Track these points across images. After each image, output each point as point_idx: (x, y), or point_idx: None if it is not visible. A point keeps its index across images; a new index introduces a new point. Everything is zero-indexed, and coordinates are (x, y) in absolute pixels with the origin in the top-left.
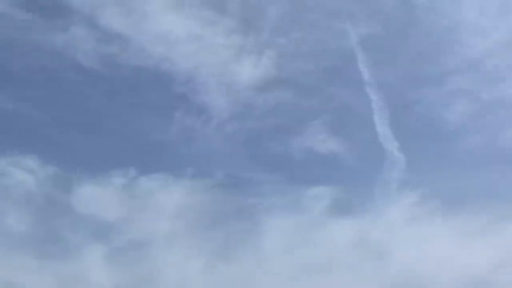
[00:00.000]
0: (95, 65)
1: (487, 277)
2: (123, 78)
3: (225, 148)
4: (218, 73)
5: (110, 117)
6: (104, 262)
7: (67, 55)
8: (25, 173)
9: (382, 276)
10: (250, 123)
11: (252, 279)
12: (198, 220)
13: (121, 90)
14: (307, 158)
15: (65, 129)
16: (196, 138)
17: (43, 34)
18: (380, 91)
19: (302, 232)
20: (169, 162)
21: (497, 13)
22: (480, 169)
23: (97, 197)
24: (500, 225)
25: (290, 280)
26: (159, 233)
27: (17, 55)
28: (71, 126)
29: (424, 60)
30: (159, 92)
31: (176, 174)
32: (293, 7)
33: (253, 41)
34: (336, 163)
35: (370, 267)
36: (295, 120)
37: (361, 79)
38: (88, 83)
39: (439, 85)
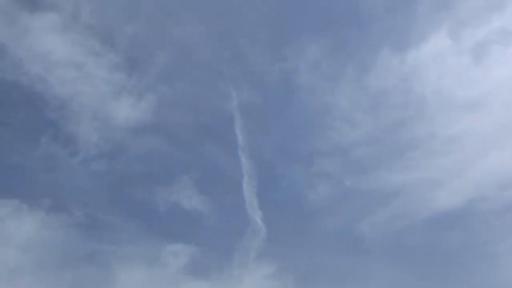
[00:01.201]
0: None
1: None
2: None
3: (88, 186)
4: (94, 106)
5: None
6: None
7: None
8: None
9: None
10: (118, 165)
11: None
12: (48, 258)
13: None
14: (171, 212)
15: None
16: (59, 169)
17: None
18: (252, 158)
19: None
20: (25, 190)
21: (368, 108)
22: (334, 251)
23: None
24: None
25: None
26: (3, 264)
27: None
28: None
29: (297, 138)
30: (28, 113)
31: (31, 203)
32: (181, 58)
33: (136, 82)
34: (200, 222)
35: None
36: (164, 171)
37: (235, 143)
38: None
39: (307, 165)
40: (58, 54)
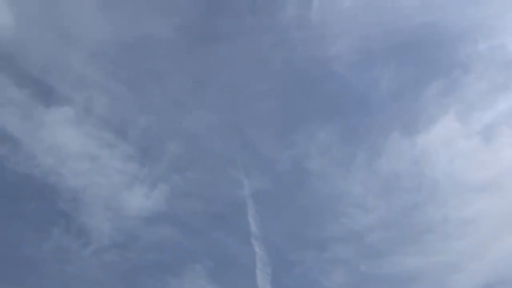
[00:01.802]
0: None
1: None
2: (6, 183)
3: (100, 276)
4: (107, 197)
5: None
6: None
7: None
8: None
9: None
10: (130, 254)
11: None
12: None
13: (1, 195)
14: None
15: None
16: (71, 260)
17: None
18: (265, 246)
19: None
20: (37, 281)
21: (380, 193)
22: None
23: None
24: None
25: None
26: None
27: None
28: None
29: (309, 224)
30: (40, 205)
31: None
32: (193, 148)
33: (148, 172)
34: None
35: None
36: (176, 260)
37: (248, 231)
38: None
39: (320, 251)
40: (71, 146)
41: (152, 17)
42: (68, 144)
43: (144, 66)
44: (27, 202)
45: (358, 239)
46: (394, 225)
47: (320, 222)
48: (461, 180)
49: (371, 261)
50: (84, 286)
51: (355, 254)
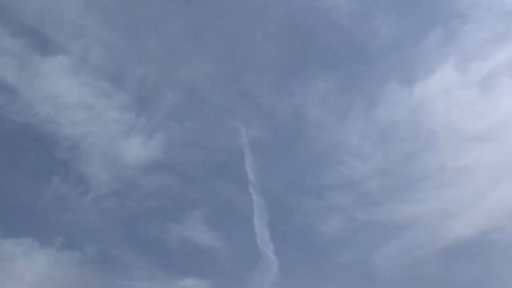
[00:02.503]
0: None
1: None
2: (4, 132)
3: (99, 224)
4: (104, 146)
5: None
6: None
7: None
8: None
9: None
10: (129, 202)
11: None
12: None
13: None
14: (183, 248)
15: None
16: (70, 208)
17: None
18: (262, 193)
19: None
20: (37, 228)
21: (377, 141)
22: (348, 284)
23: None
24: None
25: None
26: None
27: None
28: None
29: (307, 172)
30: (39, 154)
31: (43, 242)
32: (190, 97)
33: (145, 121)
34: (211, 257)
35: None
36: (175, 207)
37: (245, 179)
38: None
39: (318, 198)
40: (68, 95)
41: None
42: (65, 94)
43: (141, 15)
44: (25, 151)
45: (355, 186)
46: (391, 173)
47: (318, 170)
48: (458, 130)
49: (368, 208)
50: (84, 232)
51: (352, 201)
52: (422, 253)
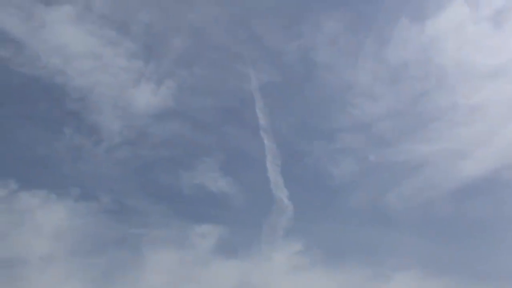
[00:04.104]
0: None
1: None
2: (14, 85)
3: (113, 173)
4: (114, 95)
5: None
6: None
7: None
8: None
9: None
10: (142, 151)
11: None
12: (79, 244)
13: (10, 97)
14: (197, 195)
15: None
16: (84, 159)
17: None
18: (274, 138)
19: (186, 269)
20: (53, 180)
21: (388, 81)
22: (362, 225)
23: None
24: (378, 281)
25: None
26: (35, 253)
27: None
28: None
29: (318, 115)
30: (50, 106)
31: (59, 193)
32: (198, 42)
33: (154, 68)
34: (226, 203)
35: None
36: (188, 155)
37: (256, 124)
38: None
39: (329, 141)
40: (74, 46)
41: None
42: (72, 44)
43: None
44: (36, 104)
45: (366, 128)
46: (402, 114)
47: (328, 112)
48: (470, 67)
49: (380, 150)
50: (99, 182)
51: (364, 143)
52: (435, 193)
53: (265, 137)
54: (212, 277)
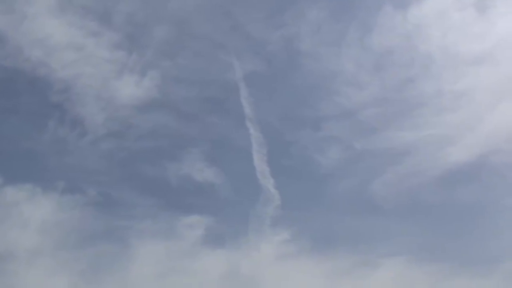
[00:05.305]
0: None
1: None
2: None
3: (99, 165)
4: (97, 87)
5: None
6: None
7: None
8: None
9: None
10: (126, 142)
11: None
12: (65, 238)
13: None
14: (183, 186)
15: None
16: (69, 151)
17: None
18: (259, 127)
19: (173, 260)
20: (38, 173)
21: (372, 69)
22: (349, 213)
23: None
24: (365, 268)
25: None
26: (22, 247)
27: None
28: None
29: (302, 104)
30: (33, 98)
31: (45, 186)
32: (180, 32)
33: (137, 59)
34: (212, 193)
35: None
36: (173, 146)
37: (242, 113)
38: None
39: (315, 130)
40: (56, 37)
41: None
42: (53, 35)
43: None
44: (19, 97)
45: (351, 116)
46: (388, 101)
47: (314, 101)
48: (455, 53)
49: (365, 137)
50: (84, 174)
51: (349, 131)
52: (422, 179)
53: (251, 126)
54: (200, 267)
